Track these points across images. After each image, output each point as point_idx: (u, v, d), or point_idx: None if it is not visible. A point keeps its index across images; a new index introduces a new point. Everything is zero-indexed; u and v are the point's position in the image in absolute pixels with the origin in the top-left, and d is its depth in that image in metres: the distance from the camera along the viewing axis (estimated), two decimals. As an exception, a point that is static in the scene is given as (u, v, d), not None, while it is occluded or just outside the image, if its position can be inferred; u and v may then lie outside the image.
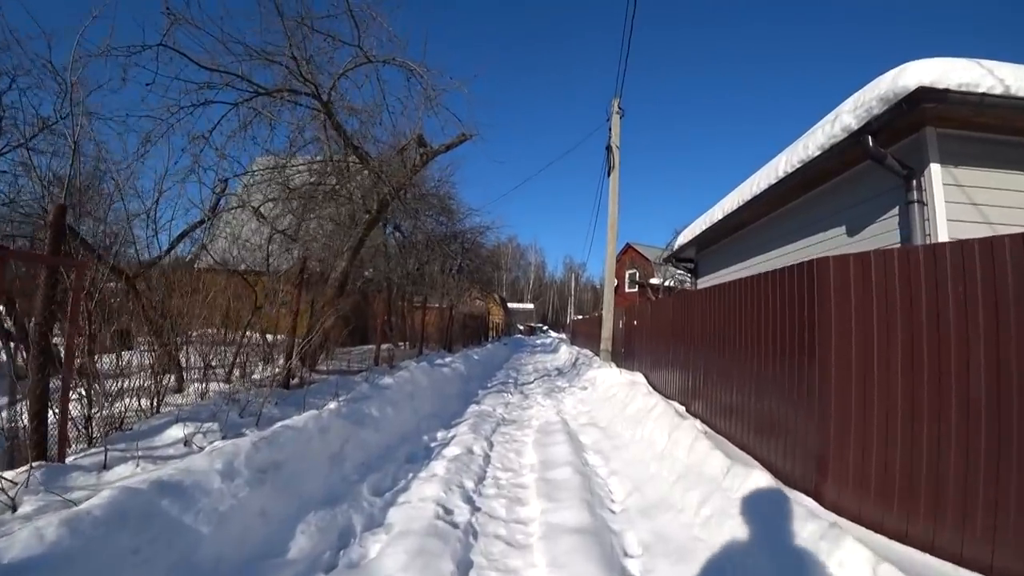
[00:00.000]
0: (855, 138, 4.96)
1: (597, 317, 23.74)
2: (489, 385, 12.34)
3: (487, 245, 30.03)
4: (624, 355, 11.82)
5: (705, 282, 10.53)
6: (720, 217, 8.30)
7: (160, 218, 7.03)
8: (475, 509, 4.36)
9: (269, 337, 7.81)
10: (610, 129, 14.94)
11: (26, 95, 6.84)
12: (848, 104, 5.31)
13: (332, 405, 5.48)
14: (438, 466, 5.33)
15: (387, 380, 7.35)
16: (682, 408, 6.54)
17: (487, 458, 5.88)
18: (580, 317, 46.86)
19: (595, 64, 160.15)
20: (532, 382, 13.62)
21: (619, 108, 14.90)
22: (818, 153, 5.56)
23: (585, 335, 25.48)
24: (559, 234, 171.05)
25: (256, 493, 3.53)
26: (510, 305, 73.45)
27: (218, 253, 9.14)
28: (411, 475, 5.04)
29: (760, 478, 3.65)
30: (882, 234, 5.32)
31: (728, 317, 5.40)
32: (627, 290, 36.66)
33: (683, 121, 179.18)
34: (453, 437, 6.61)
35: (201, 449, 4.18)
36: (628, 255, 36.83)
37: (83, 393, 4.27)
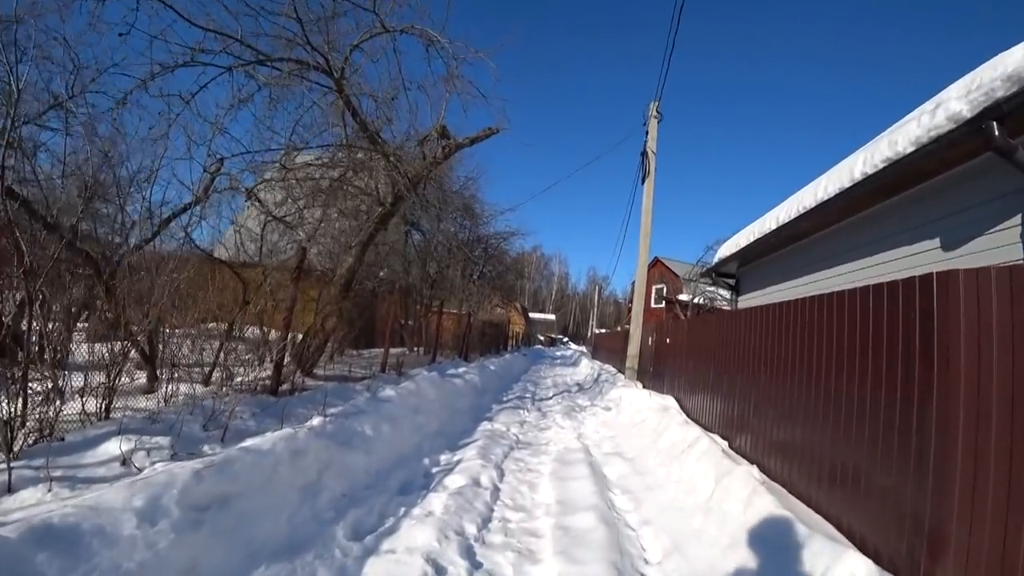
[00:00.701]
0: (970, 127, 3.99)
1: (622, 332, 22.68)
2: (505, 400, 11.45)
3: (510, 252, 29.28)
4: (653, 375, 10.84)
5: (748, 300, 9.54)
6: (773, 227, 7.33)
7: (155, 200, 6.35)
8: (475, 566, 3.47)
9: (266, 335, 7.05)
10: (647, 133, 14.05)
11: None
12: (955, 90, 4.35)
13: (315, 421, 4.66)
14: (436, 501, 4.46)
15: (388, 392, 6.52)
16: (724, 443, 5.58)
17: (496, 492, 4.99)
18: (602, 331, 45.69)
19: (630, 63, 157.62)
20: (551, 398, 12.69)
21: (657, 112, 14.01)
22: (912, 149, 4.60)
23: (607, 350, 24.44)
24: (584, 245, 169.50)
25: (187, 541, 2.70)
26: (531, 315, 72.52)
27: (226, 243, 8.47)
28: (402, 512, 4.17)
29: (857, 565, 2.70)
30: (993, 249, 4.33)
31: (790, 341, 4.46)
32: (653, 305, 35.43)
33: (720, 127, 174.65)
34: (459, 462, 5.73)
35: (140, 470, 3.38)
36: (656, 269, 35.65)
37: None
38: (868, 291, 3.43)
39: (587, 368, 21.50)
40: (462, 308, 18.53)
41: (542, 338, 66.94)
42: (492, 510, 4.54)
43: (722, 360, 6.26)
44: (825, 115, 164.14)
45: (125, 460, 3.56)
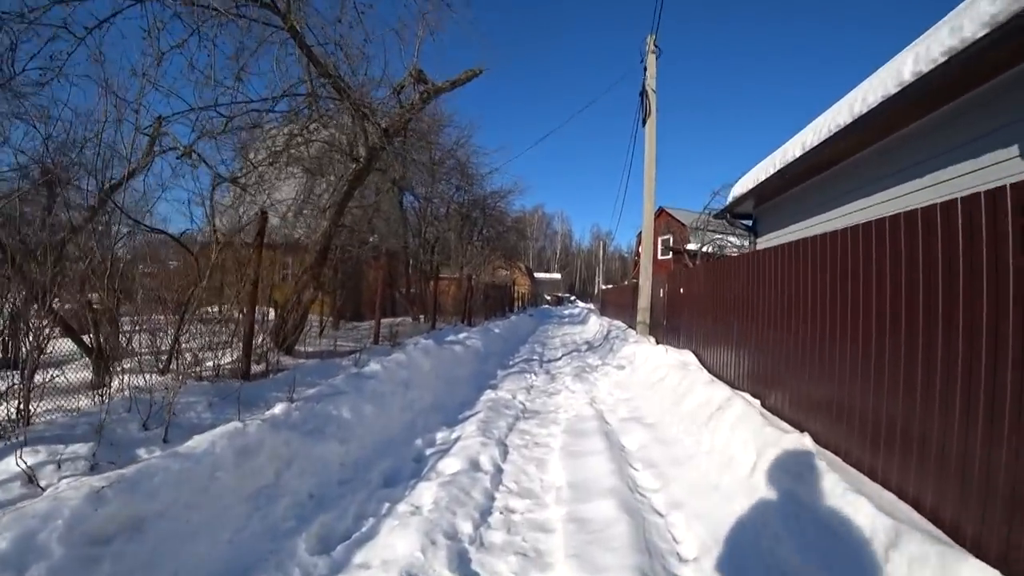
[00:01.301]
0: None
1: (629, 286, 21.88)
2: (510, 364, 10.78)
3: (510, 212, 28.31)
4: (667, 329, 10.10)
5: (768, 241, 8.70)
6: (798, 155, 6.43)
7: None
8: (469, 579, 2.81)
9: (233, 314, 6.32)
10: (645, 70, 12.94)
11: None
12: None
13: (277, 409, 3.95)
14: (427, 493, 3.78)
15: (374, 366, 5.81)
16: (757, 403, 4.86)
17: (497, 475, 4.31)
18: (609, 286, 44.92)
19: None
20: (559, 359, 12.02)
21: (655, 46, 12.86)
22: (984, 33, 3.70)
23: (616, 305, 23.71)
24: (586, 203, 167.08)
25: (70, 591, 2.01)
26: (537, 275, 71.78)
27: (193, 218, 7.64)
28: (384, 510, 3.49)
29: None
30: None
31: (831, 280, 3.68)
32: (660, 257, 34.51)
33: (722, 72, 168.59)
34: (456, 441, 5.06)
35: (43, 490, 2.69)
36: (661, 220, 34.58)
37: None
38: (944, 208, 2.61)
39: (596, 325, 20.83)
40: (463, 272, 17.75)
41: (548, 298, 66.29)
42: (493, 499, 3.86)
43: (748, 308, 5.48)
44: (844, 41, 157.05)
45: (31, 477, 2.87)
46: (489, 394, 7.43)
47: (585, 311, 38.66)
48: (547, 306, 57.30)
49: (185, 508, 2.63)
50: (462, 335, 10.74)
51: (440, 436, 5.35)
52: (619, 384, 8.17)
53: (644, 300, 12.01)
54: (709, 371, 6.74)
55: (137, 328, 5.11)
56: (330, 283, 11.93)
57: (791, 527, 2.84)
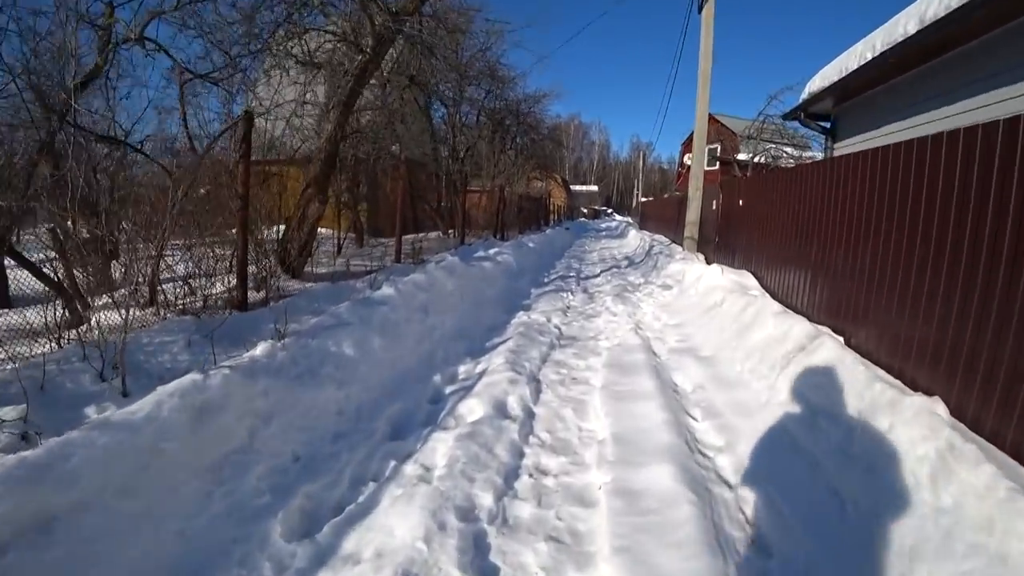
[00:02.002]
0: None
1: (673, 198, 20.49)
2: (545, 281, 10.02)
3: (545, 120, 26.55)
4: (718, 246, 9.08)
5: (851, 146, 7.41)
6: (911, 31, 5.11)
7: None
8: (486, 582, 2.18)
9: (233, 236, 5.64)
10: (705, -60, 11.07)
11: None
12: None
13: (259, 349, 3.28)
14: (440, 448, 3.15)
15: (386, 290, 5.09)
16: (839, 340, 4.00)
17: (527, 422, 3.65)
18: (648, 199, 42.97)
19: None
20: (598, 275, 11.20)
21: (718, -91, 10.90)
22: None
23: (657, 219, 22.39)
24: (625, 112, 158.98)
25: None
26: (573, 187, 69.59)
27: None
28: (388, 472, 2.89)
29: None
30: None
31: (949, 191, 2.69)
32: (707, 167, 32.48)
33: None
34: (481, 376, 4.40)
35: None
36: (710, 127, 32.16)
37: None
38: None
39: (636, 240, 19.76)
40: (494, 183, 16.70)
41: (585, 210, 64.47)
42: (521, 455, 3.21)
43: (832, 225, 4.47)
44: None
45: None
46: (521, 317, 6.74)
47: (623, 224, 37.26)
48: (583, 219, 55.78)
49: (117, 495, 2.01)
50: (492, 250, 9.96)
51: (463, 370, 4.70)
52: (666, 307, 7.35)
53: (693, 213, 10.90)
54: (774, 297, 5.85)
55: (127, 258, 4.47)
56: (351, 197, 11.15)
57: (943, 542, 2.07)
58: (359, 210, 12.10)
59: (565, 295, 8.59)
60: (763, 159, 22.08)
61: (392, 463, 3.02)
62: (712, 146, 32.22)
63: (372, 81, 9.13)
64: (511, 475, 2.98)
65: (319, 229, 9.04)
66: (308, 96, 7.31)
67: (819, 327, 4.23)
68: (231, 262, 5.18)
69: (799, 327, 4.10)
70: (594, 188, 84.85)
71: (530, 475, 3.02)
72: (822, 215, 4.72)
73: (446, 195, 17.46)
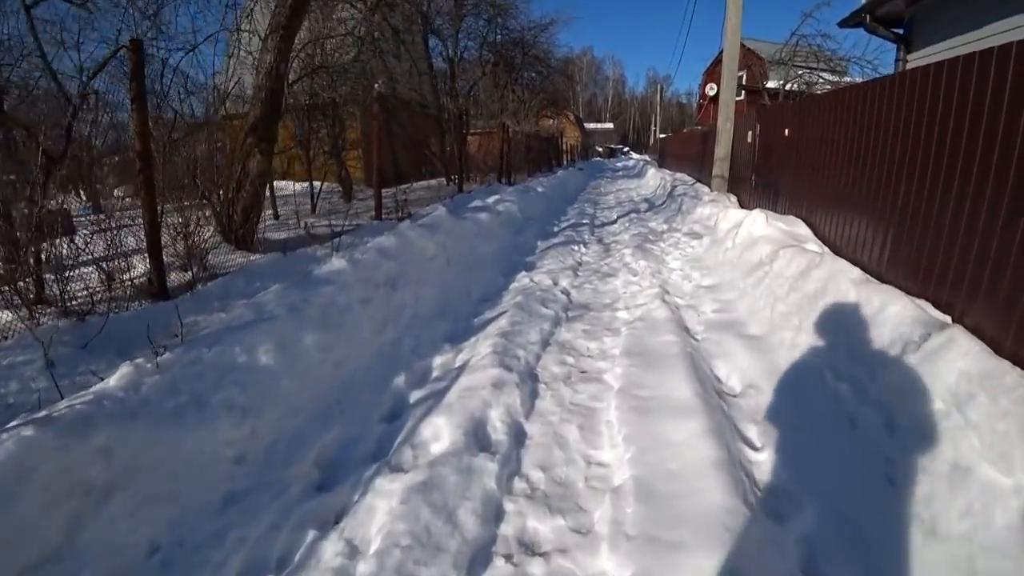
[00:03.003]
0: None
1: (696, 132, 18.73)
2: (554, 231, 8.77)
3: (556, 53, 24.44)
4: (756, 186, 7.71)
5: (926, 57, 5.92)
6: None
7: None
8: None
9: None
10: None
11: None
12: None
13: (115, 379, 2.15)
14: (380, 506, 2.11)
15: (336, 263, 3.91)
16: (939, 314, 2.81)
17: (514, 454, 2.56)
18: (667, 135, 40.61)
19: None
20: (614, 222, 9.92)
21: None
22: None
23: (679, 156, 20.62)
24: (640, 45, 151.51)
25: None
26: (587, 125, 66.80)
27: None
28: (297, 557, 1.86)
29: None
30: None
31: None
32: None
33: None
34: (458, 375, 3.30)
35: None
36: (723, 60, 29.64)
37: None
38: None
39: (655, 179, 18.18)
40: (497, 122, 15.19)
41: (600, 149, 61.91)
42: (499, 517, 2.15)
43: (931, 156, 3.17)
44: None
45: None
46: (522, 279, 5.59)
47: (641, 163, 35.28)
48: (598, 158, 53.53)
49: None
50: (493, 198, 8.70)
51: (439, 363, 3.60)
52: (697, 262, 6.13)
53: (723, 148, 9.45)
54: (835, 252, 4.62)
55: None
56: (333, 144, 9.85)
57: None
58: (345, 159, 10.79)
59: (576, 248, 7.38)
60: (796, 86, 20.10)
61: (309, 536, 1.97)
62: (739, 73, 29.90)
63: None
64: (478, 562, 1.91)
65: (295, 184, 7.84)
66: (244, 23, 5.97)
67: (919, 302, 3.02)
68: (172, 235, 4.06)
69: (898, 306, 2.88)
70: (609, 126, 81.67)
71: (508, 558, 1.94)
72: (918, 143, 3.39)
73: (446, 138, 16.02)
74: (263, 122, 5.06)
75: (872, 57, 17.61)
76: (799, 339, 3.41)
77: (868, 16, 6.26)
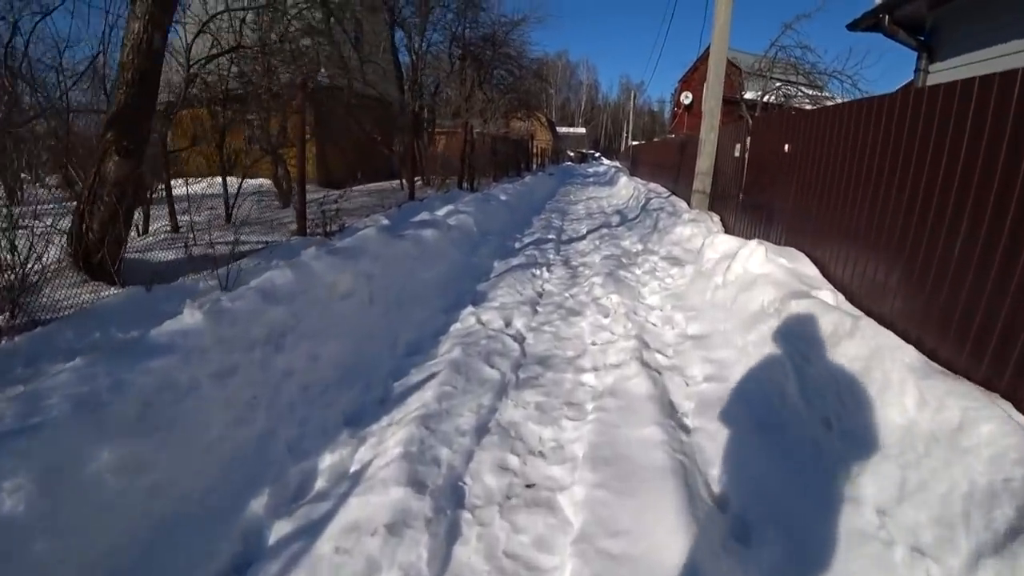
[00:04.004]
0: None
1: (673, 141, 17.88)
2: (515, 248, 7.68)
3: (528, 53, 23.38)
4: (745, 207, 6.77)
5: (952, 69, 5.04)
6: None
7: None
8: None
9: None
10: None
11: None
12: None
13: None
14: None
15: (188, 320, 2.65)
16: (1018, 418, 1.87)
17: None
18: (639, 143, 39.99)
19: None
20: (584, 238, 8.89)
21: None
22: None
23: (652, 165, 19.75)
24: (614, 52, 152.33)
25: None
26: (559, 129, 65.99)
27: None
28: None
29: None
30: None
31: None
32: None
33: None
34: (345, 496, 2.20)
35: None
36: (706, 64, 29.04)
37: None
38: None
39: (628, 189, 17.28)
40: (459, 122, 14.05)
41: (571, 154, 61.21)
42: None
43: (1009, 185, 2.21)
44: None
45: None
46: (468, 318, 4.50)
47: (612, 170, 34.54)
48: (570, 163, 52.78)
49: None
50: (445, 209, 7.58)
51: (326, 467, 2.50)
52: (679, 299, 5.12)
53: (705, 161, 8.52)
54: (850, 298, 3.69)
55: None
56: (267, 138, 8.55)
57: None
58: (286, 156, 9.50)
59: (539, 272, 6.31)
60: (774, 98, 19.48)
61: None
62: (713, 83, 29.25)
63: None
64: None
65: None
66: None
67: (1003, 405, 2.05)
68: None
69: (991, 426, 1.88)
70: (582, 131, 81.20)
71: None
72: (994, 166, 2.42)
73: (407, 137, 14.81)
74: (127, 113, 3.82)
75: (852, 72, 17.00)
76: (836, 447, 2.40)
77: (887, 17, 5.35)
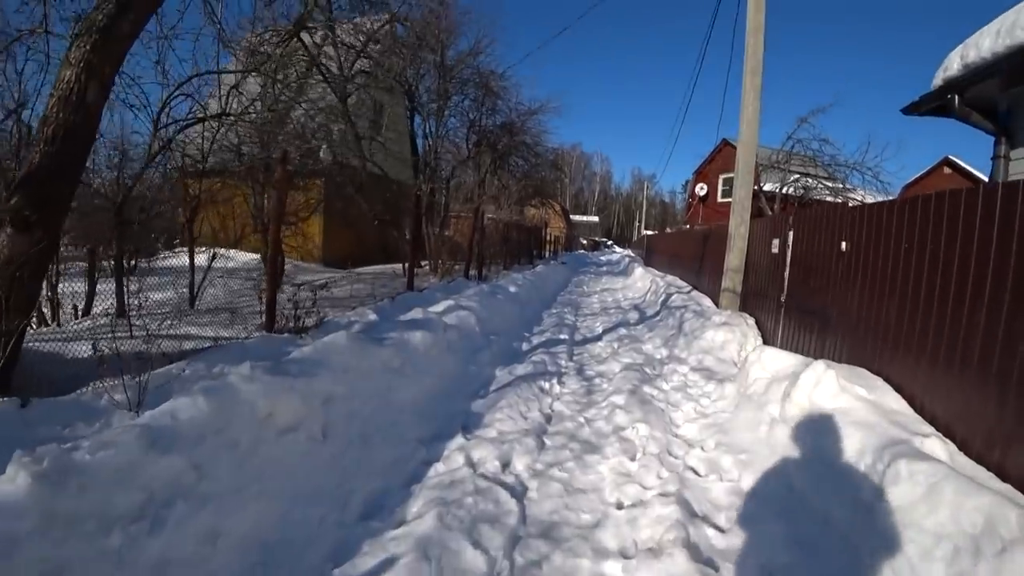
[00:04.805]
0: None
1: (694, 232, 17.24)
2: (522, 351, 6.70)
3: (544, 142, 23.52)
4: (789, 311, 5.82)
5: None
6: None
7: None
8: None
9: None
10: None
11: None
12: None
13: None
14: None
15: (17, 482, 1.80)
16: None
17: None
18: (652, 232, 39.87)
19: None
20: (600, 338, 7.92)
21: None
22: None
23: (670, 256, 19.01)
24: (626, 145, 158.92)
25: None
26: (573, 217, 66.94)
27: None
28: None
29: None
30: None
31: None
32: (720, 200, 29.44)
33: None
34: None
35: None
36: (722, 155, 29.12)
37: None
38: None
39: (644, 280, 16.47)
40: (469, 207, 13.56)
41: (584, 241, 61.64)
42: None
43: None
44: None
45: None
46: (454, 458, 3.50)
47: (626, 259, 34.11)
48: (582, 251, 52.86)
49: None
50: (444, 304, 6.69)
51: None
52: (725, 431, 4.05)
53: (736, 257, 7.67)
54: (965, 449, 2.67)
55: None
56: (257, 211, 7.88)
57: None
58: (286, 233, 8.84)
59: (548, 386, 5.30)
60: (792, 190, 19.03)
61: None
62: (727, 175, 29.20)
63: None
64: None
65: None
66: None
67: None
68: None
69: None
70: (595, 219, 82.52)
71: None
72: None
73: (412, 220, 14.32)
74: (40, 176, 3.05)
75: (873, 164, 16.57)
76: None
77: (956, 98, 4.62)
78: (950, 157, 31.29)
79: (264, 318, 5.03)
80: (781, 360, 4.45)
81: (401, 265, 12.32)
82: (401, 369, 4.35)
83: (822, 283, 5.11)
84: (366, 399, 3.70)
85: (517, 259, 17.82)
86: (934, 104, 4.90)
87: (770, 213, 16.29)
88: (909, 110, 5.27)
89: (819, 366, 3.79)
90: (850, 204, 5.86)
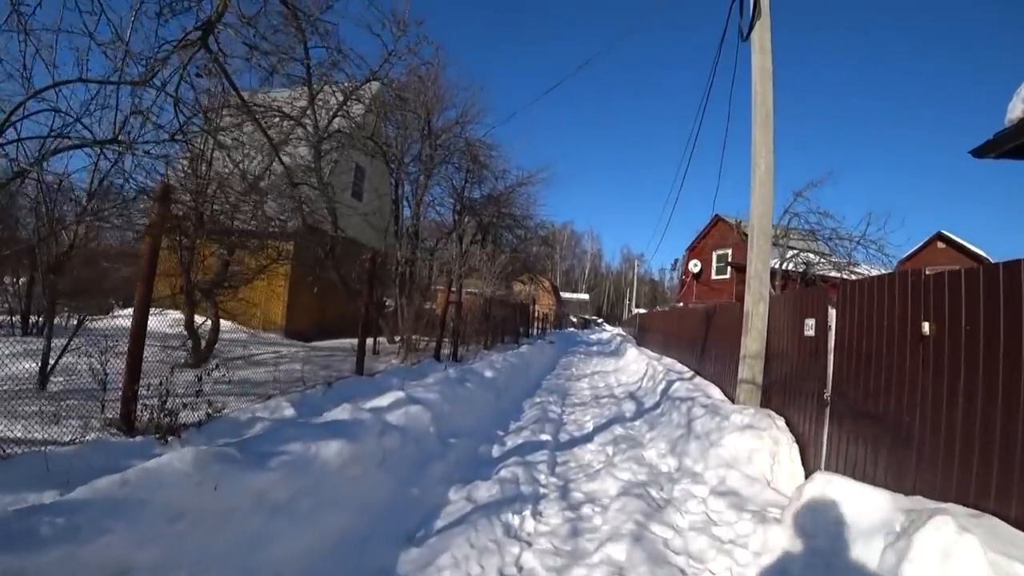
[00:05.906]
0: None
1: (695, 310, 15.86)
2: (487, 462, 5.18)
3: (534, 217, 22.77)
4: (837, 413, 4.44)
5: None
6: None
7: None
8: None
9: None
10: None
11: None
12: None
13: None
14: None
15: None
16: None
17: None
18: (642, 311, 38.76)
19: None
20: (590, 439, 6.41)
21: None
22: None
23: (665, 334, 17.55)
24: (615, 224, 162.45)
25: None
26: (563, 295, 66.11)
27: None
28: None
29: None
30: None
31: None
32: (714, 277, 28.56)
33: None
34: None
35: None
36: (716, 230, 28.50)
37: None
38: None
39: (638, 363, 14.98)
40: (439, 280, 12.31)
41: (575, 319, 60.44)
42: None
43: None
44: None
45: None
46: None
47: (617, 338, 32.75)
48: (573, 329, 51.53)
49: None
50: (391, 397, 5.21)
51: None
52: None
53: (755, 341, 6.31)
54: None
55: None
56: (189, 278, 6.53)
57: None
58: (219, 298, 7.42)
59: (516, 522, 3.77)
60: (792, 265, 17.99)
61: None
62: (720, 252, 28.43)
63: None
64: None
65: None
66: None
67: None
68: None
69: None
70: (585, 297, 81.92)
71: None
72: None
73: (403, 291, 12.99)
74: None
75: (877, 238, 15.62)
76: None
77: (1016, 147, 3.48)
78: (942, 232, 31.29)
79: (121, 410, 3.55)
80: (857, 498, 3.00)
81: (373, 340, 10.87)
82: (289, 504, 2.85)
83: (890, 380, 3.74)
84: (205, 566, 2.20)
85: (501, 337, 16.39)
86: (1012, 144, 3.76)
87: (772, 292, 15.19)
88: (982, 152, 4.13)
89: (944, 525, 2.35)
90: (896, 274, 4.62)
